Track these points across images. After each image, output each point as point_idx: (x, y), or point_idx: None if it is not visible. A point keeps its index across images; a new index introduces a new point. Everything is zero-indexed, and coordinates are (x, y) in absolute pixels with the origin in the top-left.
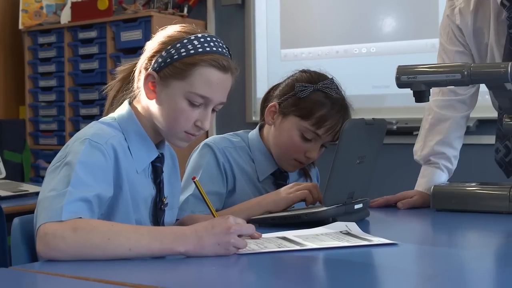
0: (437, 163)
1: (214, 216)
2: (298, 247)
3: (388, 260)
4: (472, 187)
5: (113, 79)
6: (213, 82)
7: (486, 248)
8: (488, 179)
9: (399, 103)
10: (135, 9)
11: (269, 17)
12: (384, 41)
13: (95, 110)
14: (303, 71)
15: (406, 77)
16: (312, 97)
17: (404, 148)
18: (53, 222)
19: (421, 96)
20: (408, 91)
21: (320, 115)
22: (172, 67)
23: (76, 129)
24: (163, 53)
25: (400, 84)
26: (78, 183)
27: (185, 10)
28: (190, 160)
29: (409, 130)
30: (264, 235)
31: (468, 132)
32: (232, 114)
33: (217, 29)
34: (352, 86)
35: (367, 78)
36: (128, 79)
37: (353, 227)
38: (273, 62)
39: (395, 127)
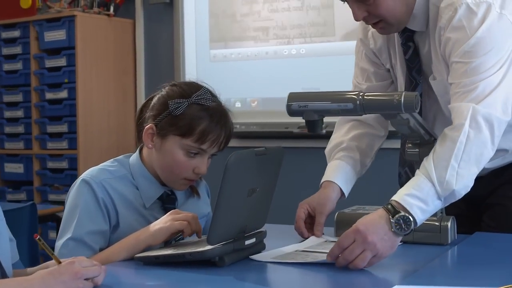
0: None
1: (59, 263)
2: None
3: None
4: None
5: (37, 80)
6: None
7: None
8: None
9: None
10: (61, 7)
11: (198, 17)
12: (314, 42)
13: (19, 113)
14: (173, 84)
15: (297, 105)
16: (189, 112)
17: None
18: None
19: (314, 126)
20: None
21: (201, 130)
22: None
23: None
24: None
25: (292, 113)
26: None
27: (112, 9)
28: (67, 198)
29: None
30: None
31: None
32: None
33: (146, 28)
34: (282, 88)
35: (296, 80)
36: None
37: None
38: (202, 63)
39: (324, 131)
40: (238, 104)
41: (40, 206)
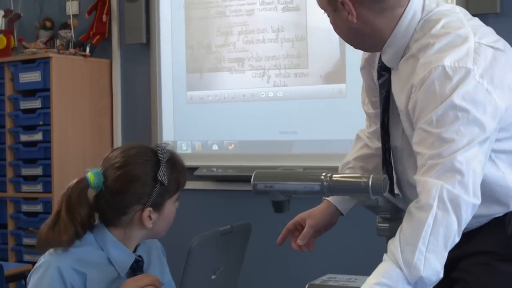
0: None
1: None
2: None
3: None
4: (346, 283)
5: (12, 122)
6: None
7: None
8: None
9: (306, 150)
10: (36, 47)
11: (174, 58)
12: (291, 85)
13: None
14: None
15: (263, 184)
16: (168, 174)
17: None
18: None
19: (280, 206)
20: (317, 137)
21: (181, 180)
22: None
23: None
24: None
25: (258, 192)
26: None
27: (88, 49)
28: (30, 282)
29: None
30: None
31: None
32: None
33: (123, 69)
34: (259, 131)
35: (274, 123)
36: None
37: None
38: (179, 104)
39: None
40: (215, 147)
41: (9, 265)
